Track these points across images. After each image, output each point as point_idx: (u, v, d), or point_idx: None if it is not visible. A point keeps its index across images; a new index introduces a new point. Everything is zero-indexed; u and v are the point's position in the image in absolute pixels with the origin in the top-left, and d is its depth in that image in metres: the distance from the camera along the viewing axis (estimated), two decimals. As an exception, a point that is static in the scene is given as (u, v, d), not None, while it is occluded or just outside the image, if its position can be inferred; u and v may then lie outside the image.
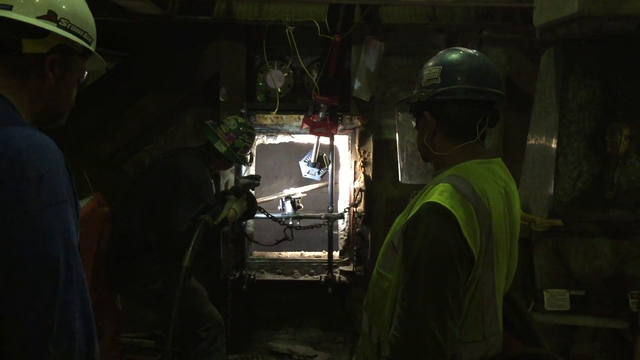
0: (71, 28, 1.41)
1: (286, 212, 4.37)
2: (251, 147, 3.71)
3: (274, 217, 4.26)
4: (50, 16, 1.36)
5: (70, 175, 1.35)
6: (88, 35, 1.49)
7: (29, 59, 1.36)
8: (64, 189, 1.30)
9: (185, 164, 3.31)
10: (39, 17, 1.35)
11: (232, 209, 3.30)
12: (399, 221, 1.79)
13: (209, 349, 3.31)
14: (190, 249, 2.92)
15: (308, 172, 4.26)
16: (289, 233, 4.24)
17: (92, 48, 1.50)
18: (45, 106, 1.44)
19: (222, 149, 3.47)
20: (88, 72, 1.58)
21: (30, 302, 1.21)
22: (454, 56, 1.79)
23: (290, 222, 4.32)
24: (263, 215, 4.19)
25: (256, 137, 3.79)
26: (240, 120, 3.64)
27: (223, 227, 3.36)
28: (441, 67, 1.77)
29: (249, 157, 3.79)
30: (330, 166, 4.26)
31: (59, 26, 1.38)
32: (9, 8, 1.32)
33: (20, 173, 1.21)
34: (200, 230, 3.02)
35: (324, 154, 4.23)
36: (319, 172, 4.21)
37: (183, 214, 3.12)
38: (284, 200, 4.43)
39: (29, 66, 1.37)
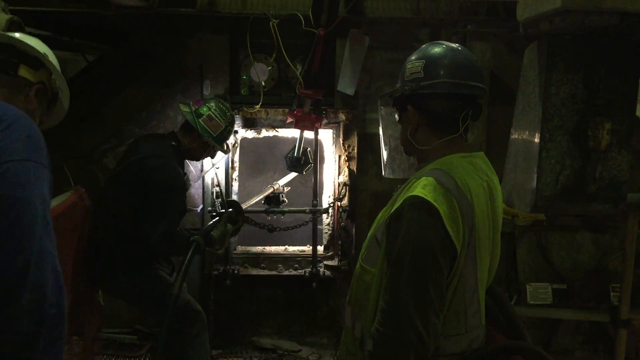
0: (55, 73, 1.80)
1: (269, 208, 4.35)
2: (219, 123, 3.37)
3: (262, 225, 4.31)
4: (44, 56, 1.75)
5: (48, 154, 1.48)
6: (62, 88, 1.86)
7: (20, 81, 1.68)
8: (44, 157, 1.44)
9: (155, 169, 3.13)
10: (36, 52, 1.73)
11: (220, 231, 3.25)
12: (382, 215, 1.79)
13: (193, 343, 3.29)
14: (181, 275, 2.86)
15: (293, 167, 4.24)
16: (277, 234, 4.24)
17: (64, 98, 1.88)
18: None
19: (184, 108, 3.33)
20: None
21: (9, 240, 1.28)
22: (436, 50, 1.79)
23: (274, 217, 4.30)
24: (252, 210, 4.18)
25: (231, 117, 3.48)
26: (219, 100, 3.47)
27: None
28: (424, 61, 1.77)
29: (212, 132, 3.36)
30: (313, 159, 4.24)
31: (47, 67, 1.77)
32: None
33: (12, 129, 1.39)
34: (192, 253, 2.97)
35: (308, 148, 4.21)
36: (302, 167, 4.19)
37: (152, 226, 3.05)
38: (269, 196, 4.39)
39: (19, 87, 1.68)
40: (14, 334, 1.27)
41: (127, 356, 4.11)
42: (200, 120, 3.31)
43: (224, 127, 3.40)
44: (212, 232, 3.21)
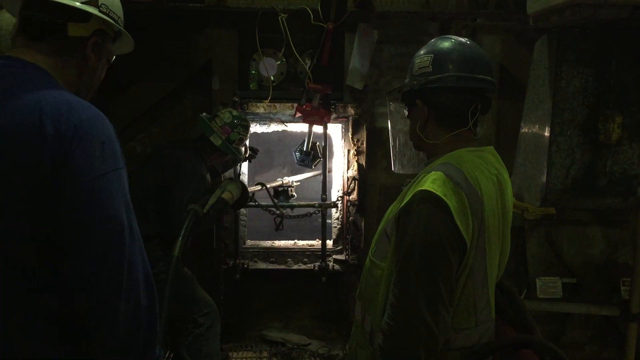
0: (109, 13, 1.54)
1: (278, 201, 4.36)
2: (246, 139, 3.71)
3: (265, 205, 4.26)
4: (92, 2, 1.48)
5: (120, 145, 1.43)
6: (121, 20, 1.62)
7: (73, 41, 1.47)
8: (119, 155, 1.39)
9: (182, 157, 3.36)
10: (82, 3, 1.46)
11: (227, 190, 3.36)
12: (392, 209, 1.79)
13: (207, 334, 3.34)
14: (180, 239, 2.93)
15: (302, 162, 4.24)
16: (279, 222, 4.23)
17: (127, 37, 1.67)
18: (85, 85, 1.55)
19: (217, 142, 3.48)
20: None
21: (102, 261, 1.29)
22: (445, 44, 1.79)
23: (278, 212, 4.30)
24: (261, 203, 4.19)
25: (250, 127, 3.75)
26: (235, 112, 3.64)
27: (222, 211, 3.39)
28: (433, 55, 1.77)
29: (243, 149, 3.78)
30: (322, 154, 4.24)
31: (100, 11, 1.50)
32: None
33: (86, 140, 1.29)
34: (189, 220, 3.02)
35: (317, 143, 4.22)
36: (311, 161, 4.19)
37: (177, 206, 3.15)
38: (278, 190, 4.39)
39: (73, 48, 1.47)
40: (116, 341, 1.34)
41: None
42: (233, 145, 3.55)
43: (247, 139, 3.74)
44: (209, 201, 3.28)
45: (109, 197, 1.31)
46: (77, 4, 1.44)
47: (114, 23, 1.56)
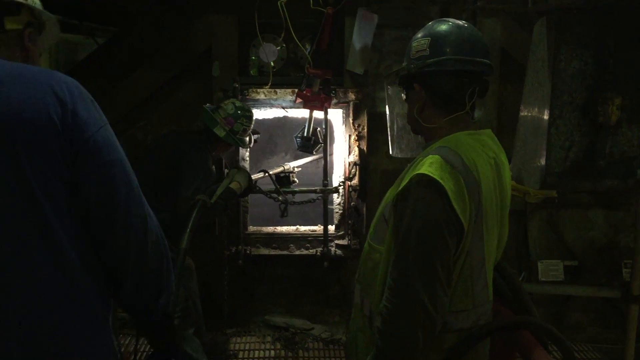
0: (35, 4, 1.64)
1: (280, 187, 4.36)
2: (249, 129, 3.73)
3: (269, 192, 4.26)
4: None
5: None
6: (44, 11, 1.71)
7: (11, 34, 1.56)
8: None
9: (188, 148, 3.39)
10: None
11: (235, 180, 3.39)
12: (390, 193, 1.79)
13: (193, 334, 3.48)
14: (188, 230, 2.90)
15: (303, 147, 4.25)
16: (284, 209, 4.24)
17: (53, 17, 1.72)
18: None
19: (221, 133, 3.51)
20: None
21: (128, 196, 1.45)
22: (442, 27, 1.78)
23: (281, 198, 4.31)
24: (263, 189, 4.20)
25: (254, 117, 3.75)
26: (238, 103, 3.66)
27: (230, 201, 3.39)
28: (430, 38, 1.77)
29: (247, 139, 3.79)
30: (323, 139, 4.23)
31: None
32: None
33: (81, 99, 1.42)
34: (197, 210, 3.02)
35: (318, 128, 4.21)
36: (312, 147, 4.19)
37: (185, 198, 3.17)
38: (280, 176, 4.40)
39: (13, 41, 1.57)
40: (149, 270, 1.52)
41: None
42: (237, 136, 3.60)
43: (250, 130, 3.76)
44: (215, 192, 3.30)
45: (114, 143, 1.46)
46: None
47: (42, 10, 1.65)
